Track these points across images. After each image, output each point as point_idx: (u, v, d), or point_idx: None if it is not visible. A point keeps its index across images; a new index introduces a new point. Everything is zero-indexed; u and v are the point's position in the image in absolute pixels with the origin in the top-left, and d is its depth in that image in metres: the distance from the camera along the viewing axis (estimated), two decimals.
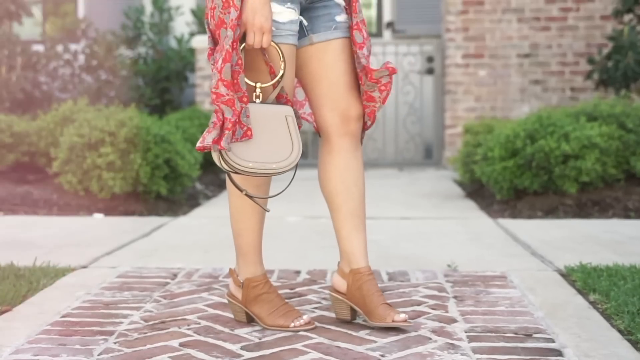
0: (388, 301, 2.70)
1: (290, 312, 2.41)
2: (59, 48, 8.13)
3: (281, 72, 2.32)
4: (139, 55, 8.55)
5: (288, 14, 2.34)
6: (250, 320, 2.48)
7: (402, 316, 2.34)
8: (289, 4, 2.34)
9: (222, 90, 2.22)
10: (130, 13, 8.49)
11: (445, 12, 7.89)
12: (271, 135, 2.29)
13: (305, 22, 2.42)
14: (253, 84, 2.31)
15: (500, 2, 7.76)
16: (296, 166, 2.32)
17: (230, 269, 2.55)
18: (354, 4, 2.45)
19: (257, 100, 2.31)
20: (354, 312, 2.45)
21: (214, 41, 2.36)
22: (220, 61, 2.23)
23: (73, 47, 8.38)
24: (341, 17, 2.45)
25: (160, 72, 8.30)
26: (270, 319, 2.41)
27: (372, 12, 9.46)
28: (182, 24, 8.93)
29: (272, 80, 2.32)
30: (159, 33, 8.59)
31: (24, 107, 7.53)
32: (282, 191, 2.44)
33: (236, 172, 2.27)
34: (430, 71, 8.12)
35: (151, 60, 8.44)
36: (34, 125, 5.85)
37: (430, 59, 8.13)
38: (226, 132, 2.21)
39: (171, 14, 8.72)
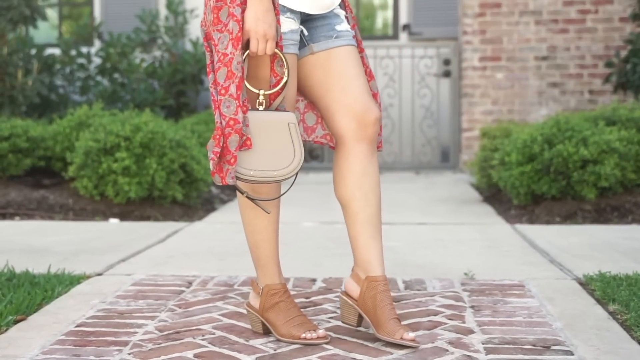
0: (405, 311, 2.68)
1: (304, 323, 2.38)
2: (73, 52, 8.16)
3: (285, 79, 2.30)
4: (155, 58, 8.56)
5: (288, 24, 2.33)
6: (266, 332, 2.45)
7: (411, 335, 2.28)
8: (288, 14, 2.33)
9: (240, 116, 2.22)
10: (144, 17, 8.49)
11: (462, 15, 7.85)
12: (273, 143, 2.28)
13: (305, 32, 2.41)
14: (256, 91, 2.30)
15: (518, 4, 7.71)
16: (297, 173, 2.31)
17: (251, 280, 2.54)
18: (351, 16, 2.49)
19: (260, 108, 2.30)
20: (360, 319, 2.42)
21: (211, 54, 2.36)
22: (233, 88, 2.23)
23: (88, 50, 8.41)
24: (341, 27, 2.43)
25: (176, 76, 8.30)
26: (284, 329, 2.38)
27: (389, 15, 9.42)
28: (197, 27, 8.92)
29: (275, 87, 2.31)
30: (174, 36, 8.59)
31: (41, 110, 7.55)
32: (282, 195, 2.42)
33: (237, 180, 2.27)
34: (447, 74, 8.09)
35: (166, 63, 8.44)
36: (49, 130, 5.86)
37: (447, 62, 8.09)
38: (230, 167, 2.23)
39: (186, 17, 8.71)
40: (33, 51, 7.63)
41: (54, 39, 9.09)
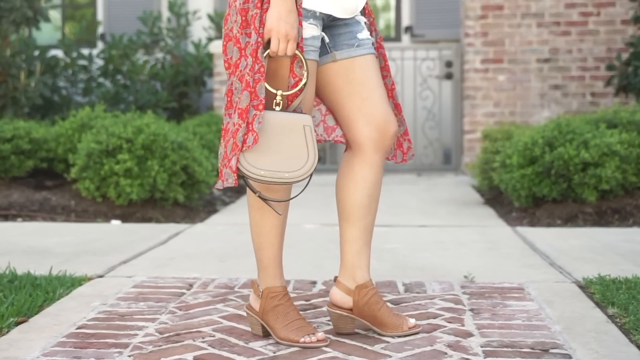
0: (404, 313, 2.69)
1: (304, 327, 2.39)
2: (75, 53, 8.19)
3: (304, 81, 2.30)
4: (157, 60, 8.58)
5: (310, 30, 2.33)
6: (266, 334, 2.46)
7: (412, 321, 2.47)
8: (311, 20, 2.33)
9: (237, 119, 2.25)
10: (146, 19, 8.51)
11: (464, 17, 7.86)
12: (287, 144, 2.27)
13: (327, 39, 2.41)
14: (274, 91, 2.29)
15: (520, 7, 7.72)
16: (310, 176, 2.31)
17: (252, 281, 2.54)
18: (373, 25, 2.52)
19: (277, 108, 2.30)
20: (354, 324, 2.49)
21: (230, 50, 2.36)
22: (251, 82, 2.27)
23: (92, 51, 8.43)
24: (363, 35, 2.45)
25: (178, 77, 8.32)
26: (283, 332, 2.39)
27: (391, 16, 9.44)
28: (199, 29, 8.94)
29: (293, 89, 2.31)
30: (176, 38, 8.61)
31: (43, 112, 7.57)
32: (294, 197, 2.44)
33: (248, 179, 2.28)
34: (449, 76, 8.09)
35: (168, 65, 8.46)
36: (52, 132, 5.88)
37: (449, 64, 8.09)
38: (225, 169, 2.29)
39: (188, 18, 8.73)
40: (36, 53, 7.65)
41: (57, 41, 9.13)
